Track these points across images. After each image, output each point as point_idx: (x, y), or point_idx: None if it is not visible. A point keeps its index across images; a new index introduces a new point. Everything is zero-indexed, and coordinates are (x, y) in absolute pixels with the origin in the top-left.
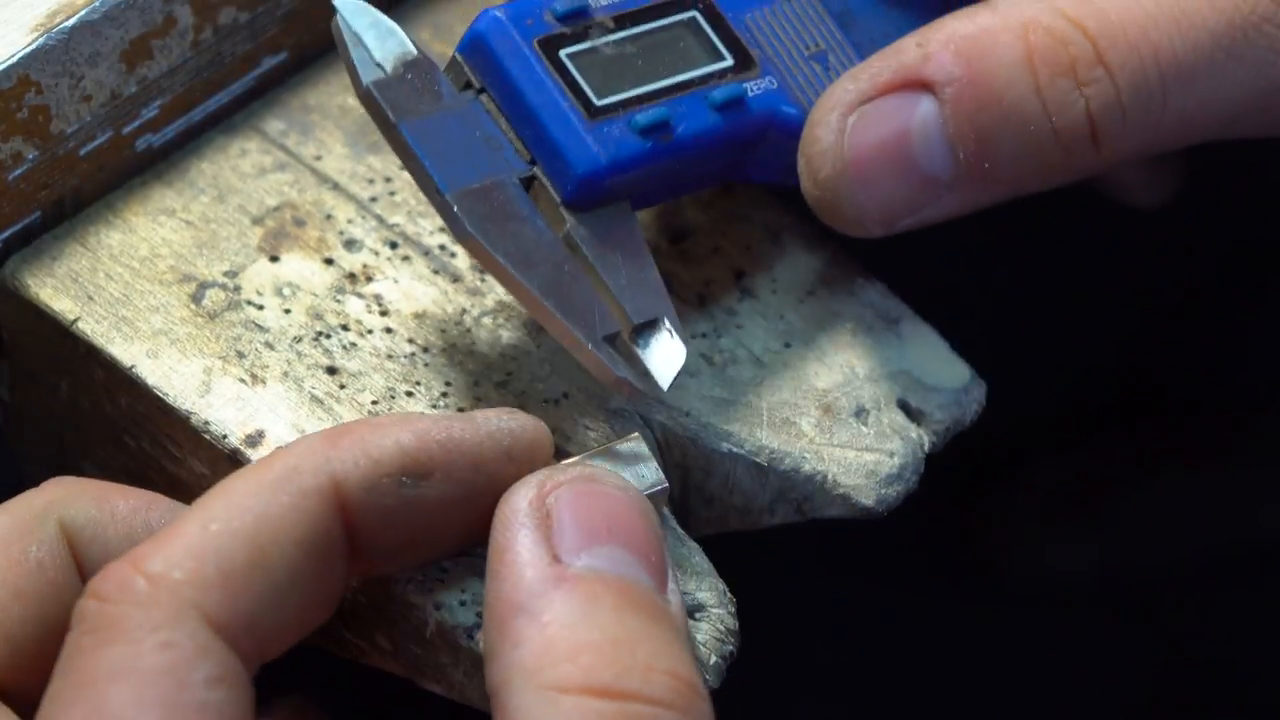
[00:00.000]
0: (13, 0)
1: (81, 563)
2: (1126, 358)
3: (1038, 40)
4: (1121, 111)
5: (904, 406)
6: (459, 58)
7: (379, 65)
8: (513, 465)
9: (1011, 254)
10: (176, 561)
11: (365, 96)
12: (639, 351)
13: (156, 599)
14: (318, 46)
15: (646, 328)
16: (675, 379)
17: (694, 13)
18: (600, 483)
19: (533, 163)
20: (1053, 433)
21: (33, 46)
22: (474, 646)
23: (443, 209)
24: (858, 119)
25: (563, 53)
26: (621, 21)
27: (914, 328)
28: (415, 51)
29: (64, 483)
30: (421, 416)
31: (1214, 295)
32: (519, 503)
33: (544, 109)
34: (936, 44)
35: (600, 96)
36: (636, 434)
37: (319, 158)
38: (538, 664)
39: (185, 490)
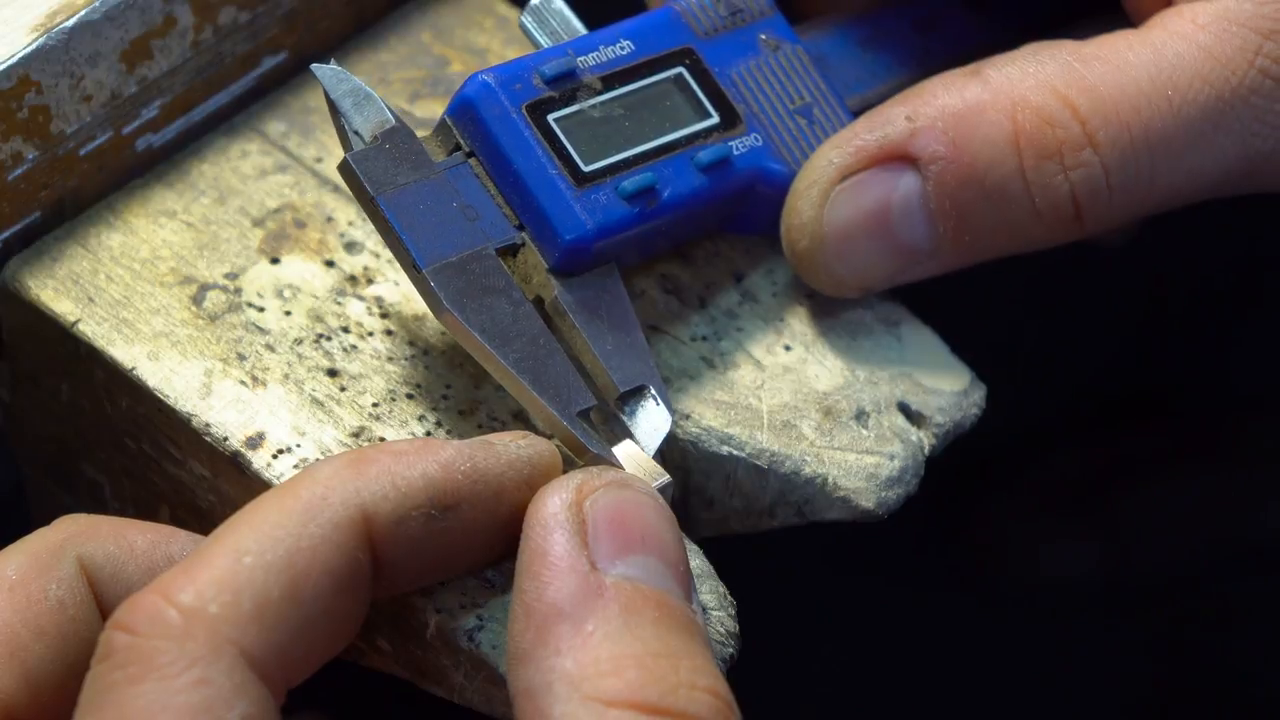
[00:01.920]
0: (13, 0)
1: (101, 600)
2: (1126, 358)
3: (1025, 121)
4: (1108, 191)
5: (904, 409)
6: (448, 121)
7: (357, 134)
8: (532, 492)
9: (1011, 256)
10: (211, 595)
11: (343, 169)
12: (625, 420)
13: (191, 633)
14: (318, 46)
15: (632, 395)
16: (661, 442)
17: (680, 69)
18: (633, 489)
19: (520, 227)
20: (1052, 433)
21: (33, 46)
22: (474, 649)
23: (420, 284)
24: (838, 195)
25: (550, 117)
26: (609, 82)
27: (914, 331)
28: (392, 120)
29: (78, 519)
30: (444, 444)
31: (1213, 297)
32: (554, 505)
33: (532, 176)
34: (925, 119)
35: (588, 162)
36: (628, 440)
37: (320, 160)
38: (582, 673)
39: (186, 492)
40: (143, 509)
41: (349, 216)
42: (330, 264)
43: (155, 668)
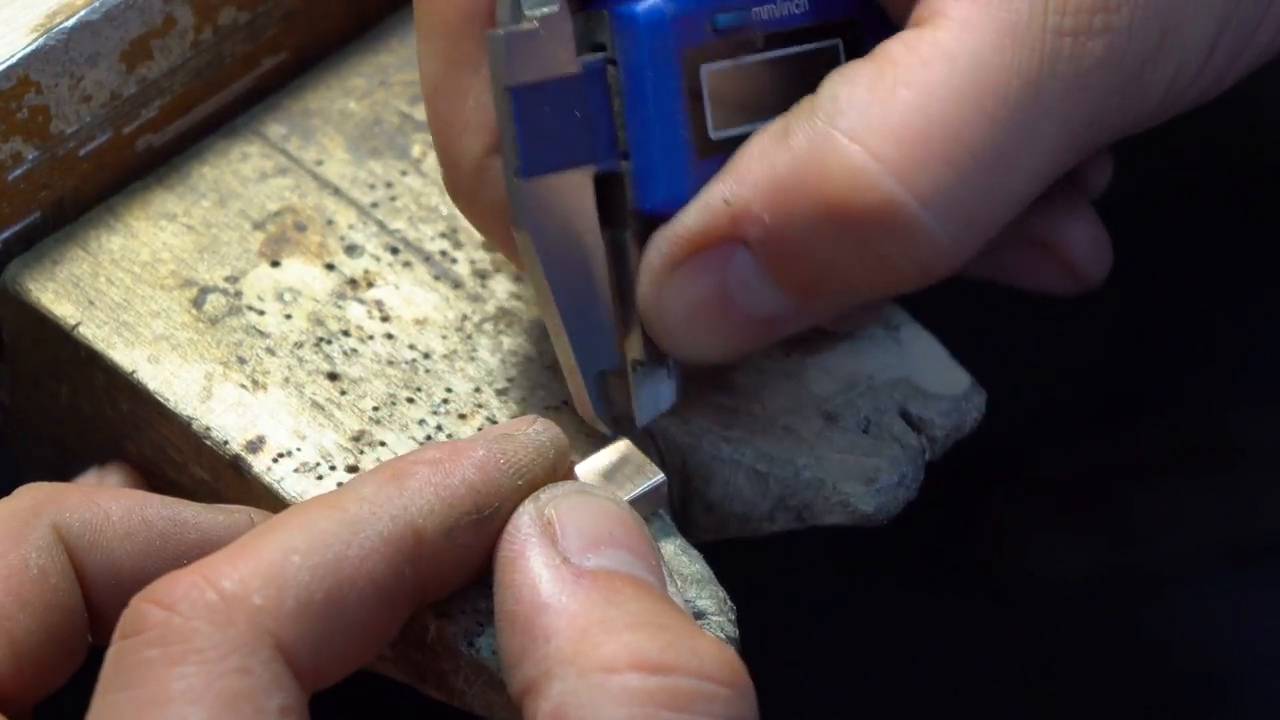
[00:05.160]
0: (13, 0)
1: (80, 569)
2: (1126, 359)
3: (836, 192)
4: (948, 235)
5: (904, 414)
6: (608, 20)
7: (517, 7)
8: (556, 476)
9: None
10: (256, 586)
11: (492, 44)
12: (632, 379)
13: (232, 619)
14: (318, 47)
15: (651, 363)
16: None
17: (838, 41)
18: (593, 495)
19: (625, 155)
20: (1053, 433)
21: (33, 46)
22: (473, 653)
23: (511, 189)
24: (670, 286)
25: (704, 69)
26: (771, 41)
27: (914, 334)
28: (557, 6)
29: (42, 487)
30: (473, 445)
31: (1214, 296)
32: (520, 518)
33: (662, 126)
34: (740, 201)
35: (717, 128)
36: (624, 439)
37: (320, 162)
38: (576, 650)
39: (186, 496)
40: None
41: (349, 220)
42: (330, 267)
43: (195, 650)
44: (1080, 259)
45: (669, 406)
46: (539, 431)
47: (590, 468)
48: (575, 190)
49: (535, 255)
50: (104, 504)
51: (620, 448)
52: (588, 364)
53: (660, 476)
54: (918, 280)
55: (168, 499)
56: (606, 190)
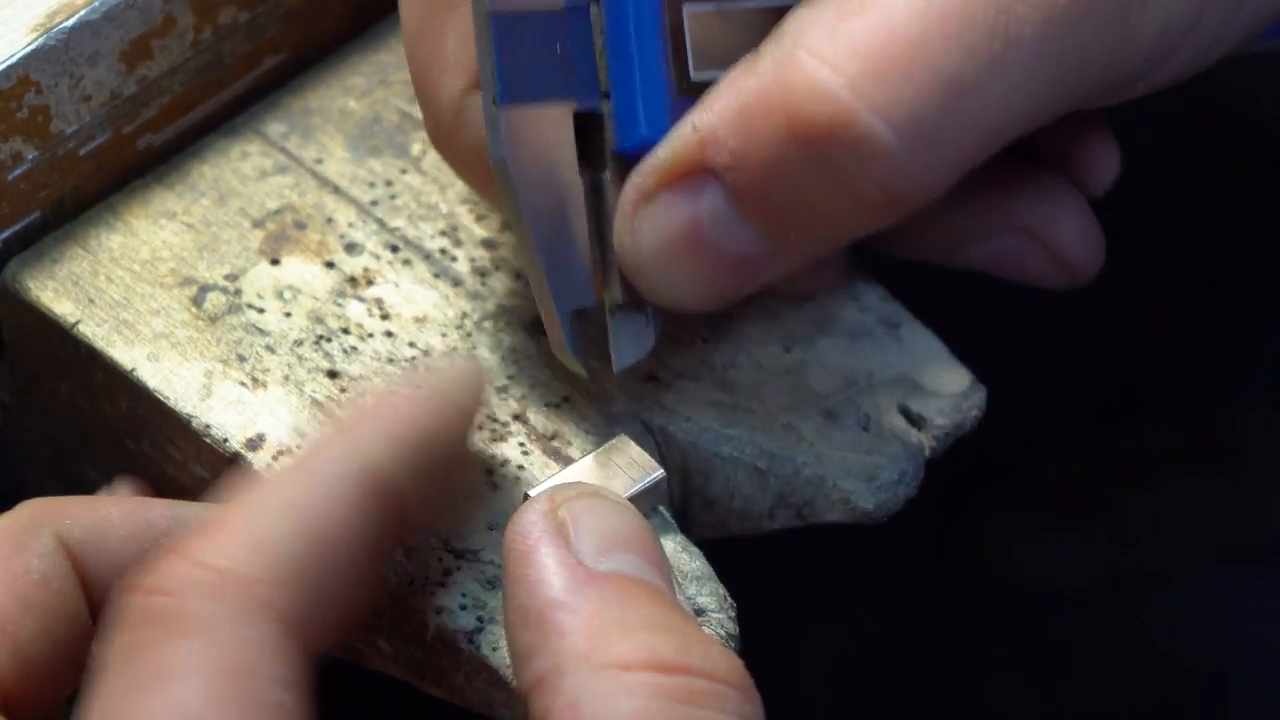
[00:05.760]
0: (13, 0)
1: (84, 575)
2: (1127, 359)
3: (797, 110)
4: (907, 157)
5: (905, 411)
6: None
7: None
8: (481, 402)
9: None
10: (243, 557)
11: None
12: (610, 324)
13: (225, 593)
14: (318, 47)
15: (630, 308)
16: (632, 364)
17: None
18: (606, 499)
19: (606, 95)
20: (1052, 432)
21: (32, 46)
22: (474, 650)
23: (490, 119)
24: (643, 219)
25: (687, 9)
26: None
27: (914, 332)
28: None
29: (43, 500)
30: (401, 386)
31: (1215, 295)
32: (532, 515)
33: (643, 66)
34: (707, 127)
35: (698, 69)
36: (621, 434)
37: (320, 161)
38: (590, 646)
39: (186, 494)
40: None
41: (349, 218)
42: (330, 265)
43: (192, 625)
44: (1068, 248)
45: (647, 352)
46: (458, 364)
47: (588, 463)
48: (555, 125)
49: (511, 186)
50: (105, 509)
51: (618, 443)
52: (563, 300)
53: (659, 472)
54: (885, 207)
55: (171, 502)
56: (587, 132)
